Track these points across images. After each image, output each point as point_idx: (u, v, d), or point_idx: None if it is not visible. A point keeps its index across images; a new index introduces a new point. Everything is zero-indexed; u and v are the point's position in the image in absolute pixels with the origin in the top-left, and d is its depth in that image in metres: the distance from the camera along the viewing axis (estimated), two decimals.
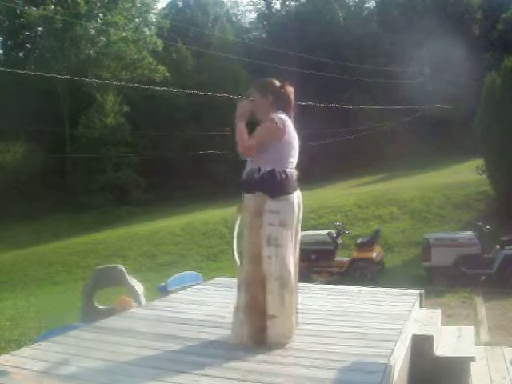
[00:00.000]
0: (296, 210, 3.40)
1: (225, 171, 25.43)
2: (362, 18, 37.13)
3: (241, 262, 3.46)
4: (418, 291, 4.78)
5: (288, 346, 3.34)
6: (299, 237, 3.55)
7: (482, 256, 9.75)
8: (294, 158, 3.44)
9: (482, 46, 29.23)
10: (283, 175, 3.31)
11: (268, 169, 3.32)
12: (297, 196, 3.43)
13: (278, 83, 3.52)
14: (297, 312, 3.50)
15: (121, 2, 31.88)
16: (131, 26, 32.48)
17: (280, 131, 3.33)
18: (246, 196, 3.42)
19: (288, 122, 3.40)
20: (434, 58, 26.27)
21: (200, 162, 26.67)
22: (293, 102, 3.52)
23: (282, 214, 3.30)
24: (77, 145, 28.64)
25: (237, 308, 3.45)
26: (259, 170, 3.34)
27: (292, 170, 3.40)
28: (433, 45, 25.92)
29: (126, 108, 29.12)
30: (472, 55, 25.60)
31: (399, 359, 3.13)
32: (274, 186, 3.31)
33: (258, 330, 3.35)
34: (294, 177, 3.40)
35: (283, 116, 3.39)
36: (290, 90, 3.52)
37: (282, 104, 3.46)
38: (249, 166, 3.43)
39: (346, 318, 3.94)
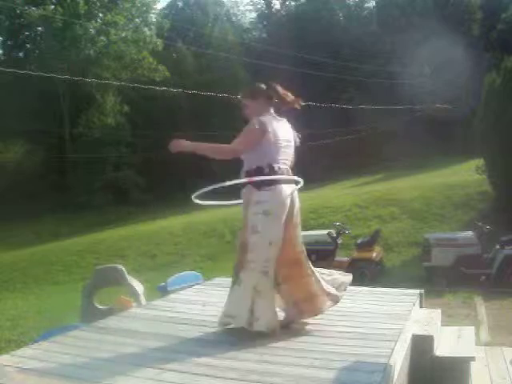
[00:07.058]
0: (286, 202, 3.45)
1: (225, 171, 25.36)
2: (361, 17, 37.14)
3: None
4: (417, 291, 4.77)
5: (288, 345, 3.33)
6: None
7: (481, 256, 9.76)
8: (281, 154, 3.51)
9: (481, 46, 29.21)
10: (266, 169, 3.43)
11: (254, 166, 3.49)
12: (288, 188, 3.48)
13: (264, 85, 3.66)
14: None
15: (121, 2, 31.87)
16: (131, 26, 32.47)
17: (259, 131, 3.45)
18: (243, 190, 3.61)
19: (267, 123, 3.48)
20: (434, 58, 26.22)
21: (200, 161, 26.54)
22: (283, 97, 3.61)
23: (267, 204, 3.40)
24: (77, 145, 28.62)
25: None
26: (247, 165, 3.57)
27: (277, 164, 3.46)
28: (433, 45, 25.89)
29: (125, 108, 29.10)
30: (472, 55, 25.57)
31: (399, 359, 3.13)
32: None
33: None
34: (283, 171, 3.48)
35: (264, 118, 3.49)
36: (277, 87, 3.63)
37: (274, 103, 3.62)
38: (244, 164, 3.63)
39: (346, 318, 3.93)
